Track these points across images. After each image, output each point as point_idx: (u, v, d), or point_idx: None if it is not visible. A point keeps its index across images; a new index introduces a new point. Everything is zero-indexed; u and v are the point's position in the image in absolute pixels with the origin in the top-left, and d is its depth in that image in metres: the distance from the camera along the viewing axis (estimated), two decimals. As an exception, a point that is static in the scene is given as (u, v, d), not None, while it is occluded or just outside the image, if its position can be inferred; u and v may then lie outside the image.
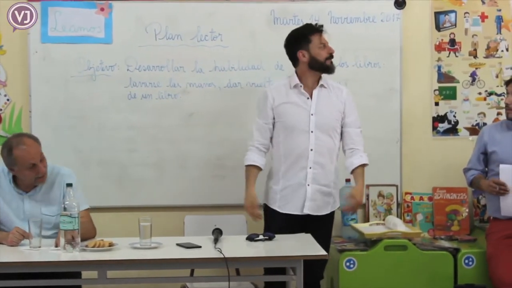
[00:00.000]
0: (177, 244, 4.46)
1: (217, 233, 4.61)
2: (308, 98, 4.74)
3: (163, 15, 5.34)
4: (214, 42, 5.45)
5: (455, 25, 5.48)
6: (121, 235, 4.46)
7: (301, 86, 4.73)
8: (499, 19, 5.55)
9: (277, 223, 4.80)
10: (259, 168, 4.87)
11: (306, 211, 4.77)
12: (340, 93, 4.89)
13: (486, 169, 4.92)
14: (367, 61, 5.46)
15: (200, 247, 4.42)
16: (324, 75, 4.84)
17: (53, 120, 5.26)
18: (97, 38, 5.35)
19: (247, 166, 4.86)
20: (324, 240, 4.75)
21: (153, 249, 4.35)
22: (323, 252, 4.40)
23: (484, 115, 5.45)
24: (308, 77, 4.75)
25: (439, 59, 5.43)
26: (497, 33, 5.53)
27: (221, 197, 5.57)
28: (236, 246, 4.60)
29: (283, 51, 5.13)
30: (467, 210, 5.36)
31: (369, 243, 5.12)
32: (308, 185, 4.75)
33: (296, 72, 4.80)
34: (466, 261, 5.09)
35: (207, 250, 4.37)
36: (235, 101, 5.47)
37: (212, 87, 5.45)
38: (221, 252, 4.20)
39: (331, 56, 4.74)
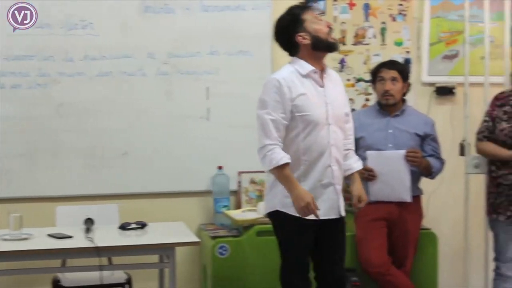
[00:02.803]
0: (48, 235, 4.48)
1: (89, 223, 4.68)
2: (321, 87, 4.27)
3: (33, 3, 5.26)
4: (84, 31, 5.40)
5: (324, 12, 5.51)
6: (-9, 227, 4.41)
7: (315, 72, 4.22)
8: (367, 7, 5.70)
9: (301, 231, 4.28)
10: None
11: (343, 213, 4.35)
12: (336, 77, 4.51)
13: None
14: (238, 49, 5.52)
15: (71, 237, 4.45)
16: None
17: None
18: (-37, 27, 5.21)
19: (283, 165, 4.15)
20: (344, 240, 4.49)
21: (23, 240, 4.37)
22: (196, 239, 4.49)
23: (353, 101, 5.53)
24: (314, 63, 4.26)
25: (309, 46, 5.37)
26: (365, 21, 5.67)
27: (93, 186, 5.56)
28: (108, 235, 4.67)
29: (155, 39, 5.31)
30: (337, 194, 5.28)
31: (242, 229, 5.17)
32: (335, 184, 4.31)
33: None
34: (336, 244, 5.06)
35: (79, 240, 4.42)
36: (107, 90, 5.44)
37: (83, 76, 5.40)
38: (92, 242, 4.25)
39: (331, 29, 4.26)
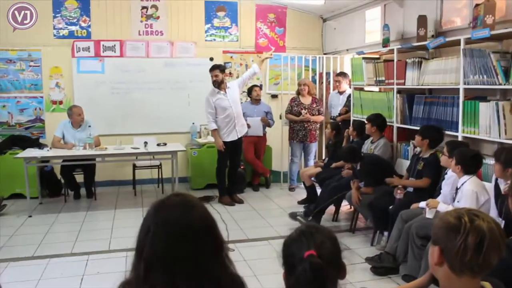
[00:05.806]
0: (131, 147, 7.92)
1: (146, 143, 8.10)
2: (224, 94, 7.81)
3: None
4: (144, 72, 9.37)
5: (228, 67, 10.00)
6: None
7: (219, 91, 7.69)
8: (246, 66, 10.21)
9: (226, 145, 8.07)
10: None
11: (240, 136, 8.20)
12: (235, 87, 8.03)
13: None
14: (199, 79, 9.72)
15: (139, 148, 7.80)
16: (226, 79, 8.12)
17: None
18: None
19: (215, 129, 7.90)
20: (241, 148, 8.44)
21: (122, 150, 7.88)
22: (184, 149, 8.67)
23: (241, 99, 9.14)
24: (218, 87, 7.72)
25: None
26: (245, 71, 10.08)
27: (147, 129, 9.51)
28: (153, 147, 8.27)
29: (172, 77, 9.40)
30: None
31: (201, 145, 9.56)
32: (236, 129, 8.07)
33: (213, 83, 7.91)
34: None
35: (142, 149, 7.86)
36: (156, 94, 9.57)
37: (146, 87, 9.35)
38: (148, 149, 7.66)
39: (216, 81, 7.85)
